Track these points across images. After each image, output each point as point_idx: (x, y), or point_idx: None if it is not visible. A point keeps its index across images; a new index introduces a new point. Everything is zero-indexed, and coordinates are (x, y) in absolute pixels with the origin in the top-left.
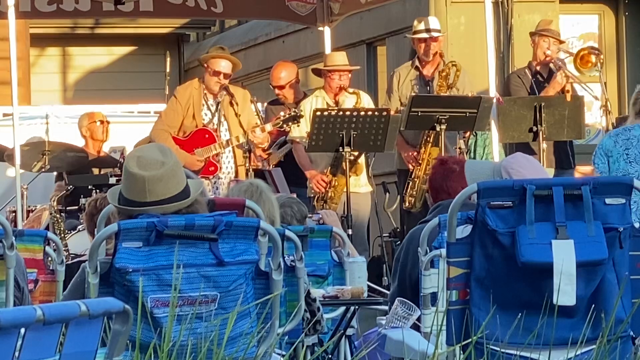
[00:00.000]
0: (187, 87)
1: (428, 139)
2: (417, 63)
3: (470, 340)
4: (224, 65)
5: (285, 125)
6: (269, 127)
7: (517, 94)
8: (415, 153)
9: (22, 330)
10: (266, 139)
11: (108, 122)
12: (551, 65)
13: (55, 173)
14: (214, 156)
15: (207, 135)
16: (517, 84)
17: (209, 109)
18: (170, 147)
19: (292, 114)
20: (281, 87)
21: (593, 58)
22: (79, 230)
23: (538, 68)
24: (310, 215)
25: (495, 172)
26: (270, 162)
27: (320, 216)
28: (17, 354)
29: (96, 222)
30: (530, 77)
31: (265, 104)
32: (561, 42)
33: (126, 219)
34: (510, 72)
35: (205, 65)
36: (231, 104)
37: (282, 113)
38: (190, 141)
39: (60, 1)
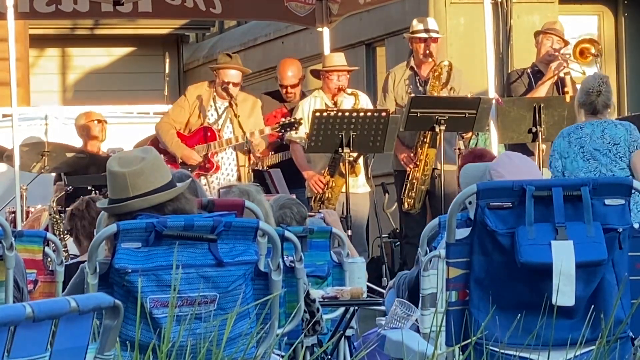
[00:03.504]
0: (198, 87)
1: (425, 139)
2: (412, 63)
3: (469, 341)
4: (233, 75)
5: (283, 131)
6: (267, 130)
7: (516, 91)
8: (411, 154)
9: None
10: (263, 144)
11: (105, 122)
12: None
13: (54, 174)
14: (212, 154)
15: (209, 134)
16: (517, 81)
17: (216, 110)
18: (172, 139)
19: (291, 120)
20: (294, 86)
21: (593, 50)
22: None
23: (540, 67)
24: (313, 214)
25: (487, 175)
26: (264, 164)
27: (322, 215)
28: (7, 351)
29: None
30: (530, 74)
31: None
32: (565, 42)
33: (117, 220)
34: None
35: (215, 73)
36: (230, 105)
37: (282, 119)
38: (193, 137)
39: (59, 2)
